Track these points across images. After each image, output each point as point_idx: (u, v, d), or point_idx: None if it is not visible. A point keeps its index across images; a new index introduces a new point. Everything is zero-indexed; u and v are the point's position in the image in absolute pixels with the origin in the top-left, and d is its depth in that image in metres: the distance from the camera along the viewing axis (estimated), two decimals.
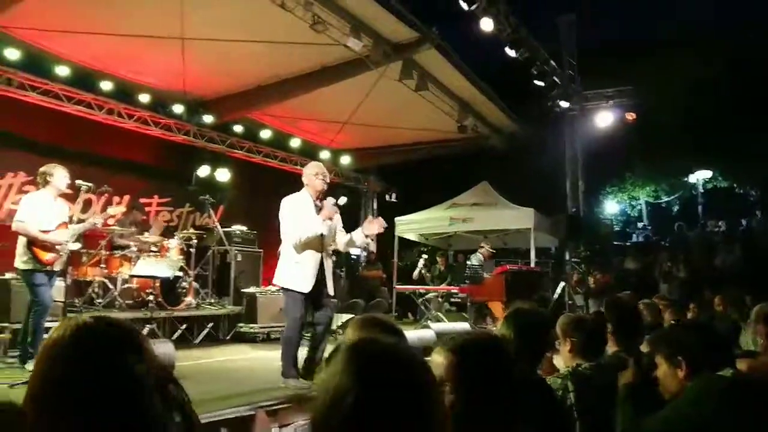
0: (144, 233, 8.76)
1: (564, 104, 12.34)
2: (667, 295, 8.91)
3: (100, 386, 1.04)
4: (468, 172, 14.17)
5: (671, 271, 12.26)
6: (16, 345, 5.79)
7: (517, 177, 14.60)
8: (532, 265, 11.85)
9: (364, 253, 13.57)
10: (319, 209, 5.18)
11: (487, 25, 8.66)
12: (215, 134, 11.03)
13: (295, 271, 5.09)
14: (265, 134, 11.89)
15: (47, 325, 5.74)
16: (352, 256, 12.91)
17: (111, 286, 7.94)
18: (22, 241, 5.57)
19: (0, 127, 8.45)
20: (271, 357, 6.81)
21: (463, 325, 8.46)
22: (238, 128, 11.49)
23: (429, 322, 9.53)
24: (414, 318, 12.22)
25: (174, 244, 8.70)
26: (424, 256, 13.21)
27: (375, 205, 15.20)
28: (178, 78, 9.19)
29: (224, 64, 9.22)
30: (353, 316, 8.19)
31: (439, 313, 10.59)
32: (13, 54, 8.06)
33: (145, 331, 7.23)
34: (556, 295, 10.85)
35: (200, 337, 8.40)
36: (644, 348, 3.05)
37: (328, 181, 5.37)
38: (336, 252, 5.67)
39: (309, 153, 12.66)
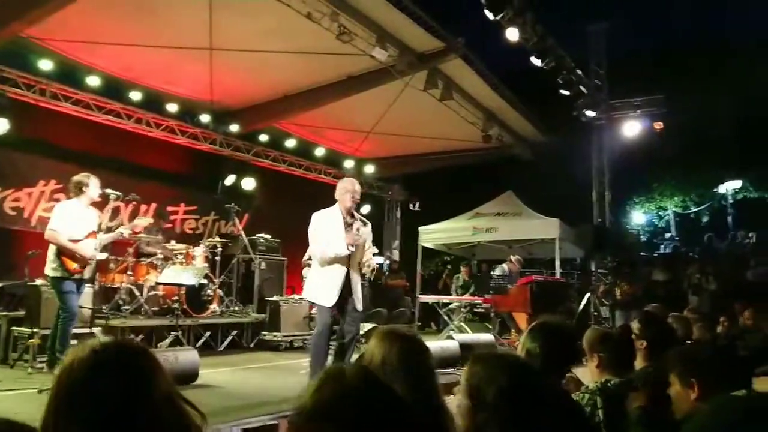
0: (170, 241, 8.87)
1: (590, 113, 12.22)
2: (696, 307, 8.74)
3: (113, 407, 1.07)
4: (492, 181, 14.10)
5: (701, 283, 12.03)
6: (45, 350, 5.88)
7: (542, 186, 14.47)
8: (557, 275, 11.72)
9: (387, 262, 13.57)
10: (348, 225, 5.16)
11: (512, 34, 8.61)
12: (241, 143, 11.14)
13: (320, 285, 5.11)
14: (290, 143, 11.97)
15: (75, 331, 5.85)
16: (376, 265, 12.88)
17: (137, 293, 8.04)
18: (52, 249, 5.69)
19: (33, 136, 8.65)
20: (294, 365, 6.84)
21: (487, 336, 8.38)
22: (263, 137, 11.59)
23: (452, 332, 9.46)
24: (437, 328, 12.16)
25: (199, 251, 8.77)
26: (449, 266, 13.16)
27: (398, 214, 15.20)
28: (206, 88, 9.33)
29: (251, 74, 9.32)
30: (376, 325, 8.19)
31: (462, 324, 10.52)
32: (46, 65, 8.26)
33: (169, 338, 7.30)
34: (581, 307, 10.71)
35: (224, 345, 8.46)
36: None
37: (359, 199, 5.32)
38: None
39: (333, 162, 12.72)
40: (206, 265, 8.70)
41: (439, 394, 1.93)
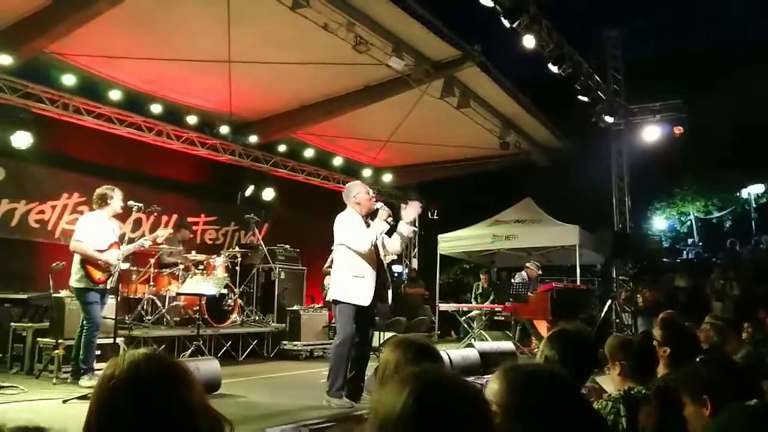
0: (191, 251, 8.96)
1: (609, 119, 12.14)
2: (719, 314, 8.61)
3: (153, 416, 1.11)
4: (511, 188, 14.05)
5: (724, 289, 11.85)
6: (69, 361, 5.96)
7: (561, 193, 14.40)
8: (578, 282, 11.62)
9: (406, 271, 13.56)
10: (368, 225, 5.19)
11: (529, 41, 8.59)
12: (260, 154, 11.23)
13: (355, 285, 5.04)
14: (308, 153, 12.04)
15: (99, 341, 5.93)
16: (395, 273, 12.90)
17: (159, 304, 8.12)
18: (76, 260, 5.81)
19: (56, 150, 8.81)
20: (314, 374, 6.85)
21: (507, 344, 8.33)
22: (281, 148, 11.67)
23: (473, 340, 9.43)
24: (457, 336, 12.10)
25: (220, 262, 8.84)
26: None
27: (417, 222, 15.16)
28: (225, 100, 9.43)
29: (269, 85, 9.41)
30: (395, 334, 8.18)
31: (482, 332, 10.47)
32: (69, 80, 8.41)
33: (191, 348, 7.36)
34: (603, 314, 10.61)
35: (245, 354, 8.51)
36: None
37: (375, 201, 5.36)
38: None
39: (351, 171, 12.77)
40: (226, 275, 8.76)
41: None
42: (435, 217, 14.66)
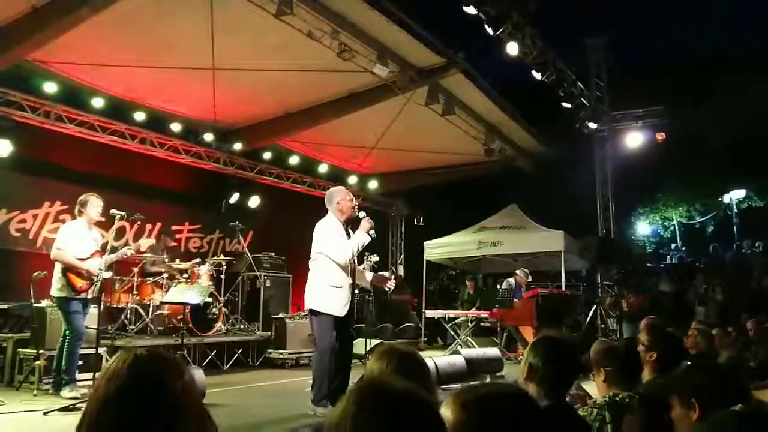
0: (176, 260, 8.89)
1: (592, 125, 12.24)
2: (703, 318, 8.70)
3: (151, 407, 1.15)
4: (496, 194, 14.11)
5: (707, 293, 11.97)
6: (50, 372, 5.88)
7: (546, 199, 14.47)
8: (563, 288, 11.67)
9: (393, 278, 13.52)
10: (348, 236, 5.17)
11: (512, 49, 8.66)
12: (245, 161, 11.18)
13: (332, 296, 5.02)
14: (294, 160, 12.00)
15: (82, 352, 5.85)
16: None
17: (143, 313, 8.05)
18: (58, 269, 5.74)
19: (38, 158, 8.72)
20: (300, 383, 6.81)
21: (494, 351, 8.35)
22: (266, 155, 11.63)
23: (459, 347, 9.42)
24: (444, 343, 12.10)
25: (204, 270, 8.79)
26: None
27: (402, 229, 15.20)
28: (209, 107, 9.37)
29: (253, 92, 9.38)
30: (381, 341, 8.16)
31: (469, 338, 10.47)
32: (51, 87, 8.31)
33: None
34: (588, 319, 10.65)
35: (230, 363, 8.44)
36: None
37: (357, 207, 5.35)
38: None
39: (337, 178, 12.74)
40: (211, 283, 8.71)
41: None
42: (420, 223, 14.70)
